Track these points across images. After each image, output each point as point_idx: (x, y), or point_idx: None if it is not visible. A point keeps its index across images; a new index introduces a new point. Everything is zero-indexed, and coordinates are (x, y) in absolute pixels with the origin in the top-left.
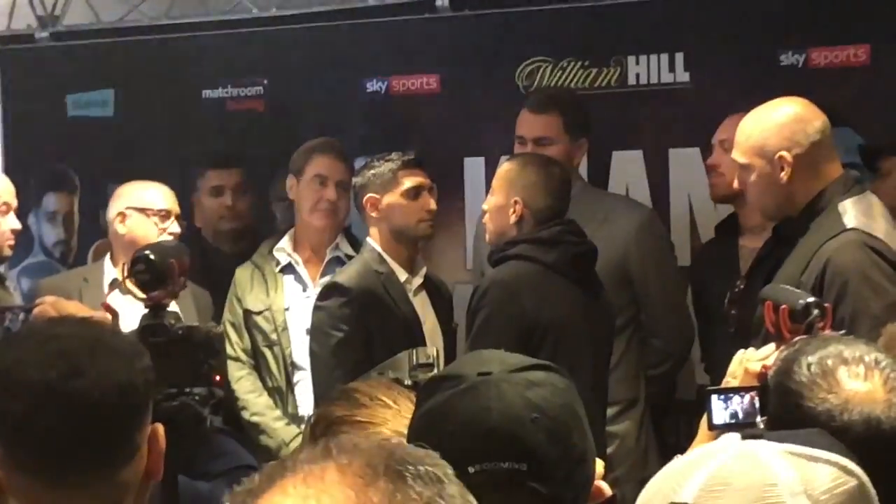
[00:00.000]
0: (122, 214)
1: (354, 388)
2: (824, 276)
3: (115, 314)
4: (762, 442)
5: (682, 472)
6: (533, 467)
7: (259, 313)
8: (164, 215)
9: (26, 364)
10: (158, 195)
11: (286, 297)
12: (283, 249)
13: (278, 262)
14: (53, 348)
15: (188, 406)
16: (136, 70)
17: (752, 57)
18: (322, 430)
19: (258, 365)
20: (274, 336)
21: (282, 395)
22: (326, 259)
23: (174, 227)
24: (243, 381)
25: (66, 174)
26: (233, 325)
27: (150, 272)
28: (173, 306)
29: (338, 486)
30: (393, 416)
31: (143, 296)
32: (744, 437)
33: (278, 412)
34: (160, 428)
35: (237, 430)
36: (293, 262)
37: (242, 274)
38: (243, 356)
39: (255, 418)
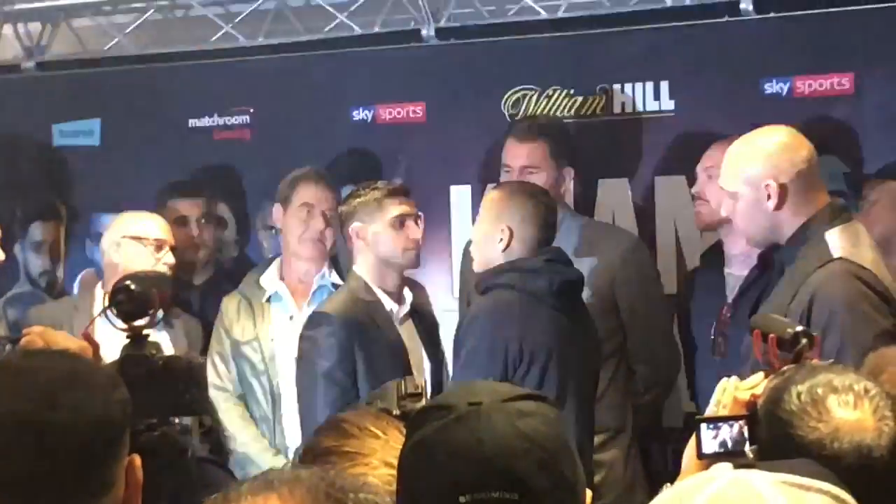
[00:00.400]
0: (117, 243)
1: (343, 418)
2: (812, 307)
3: (95, 344)
4: (755, 471)
5: (676, 500)
6: (524, 497)
7: (247, 343)
8: (159, 245)
9: (0, 396)
10: (154, 225)
11: (273, 327)
12: (271, 279)
13: (265, 292)
14: (28, 381)
15: (169, 436)
16: (122, 99)
17: (737, 85)
18: (311, 460)
19: (246, 395)
20: (261, 366)
21: (269, 425)
22: (313, 288)
23: (169, 257)
24: (230, 412)
25: (52, 204)
26: (220, 355)
27: (130, 302)
28: (164, 336)
29: None
30: (382, 447)
31: (124, 326)
32: (736, 467)
33: (265, 442)
34: (137, 460)
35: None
36: (280, 292)
37: (230, 304)
38: (230, 386)
39: (242, 449)
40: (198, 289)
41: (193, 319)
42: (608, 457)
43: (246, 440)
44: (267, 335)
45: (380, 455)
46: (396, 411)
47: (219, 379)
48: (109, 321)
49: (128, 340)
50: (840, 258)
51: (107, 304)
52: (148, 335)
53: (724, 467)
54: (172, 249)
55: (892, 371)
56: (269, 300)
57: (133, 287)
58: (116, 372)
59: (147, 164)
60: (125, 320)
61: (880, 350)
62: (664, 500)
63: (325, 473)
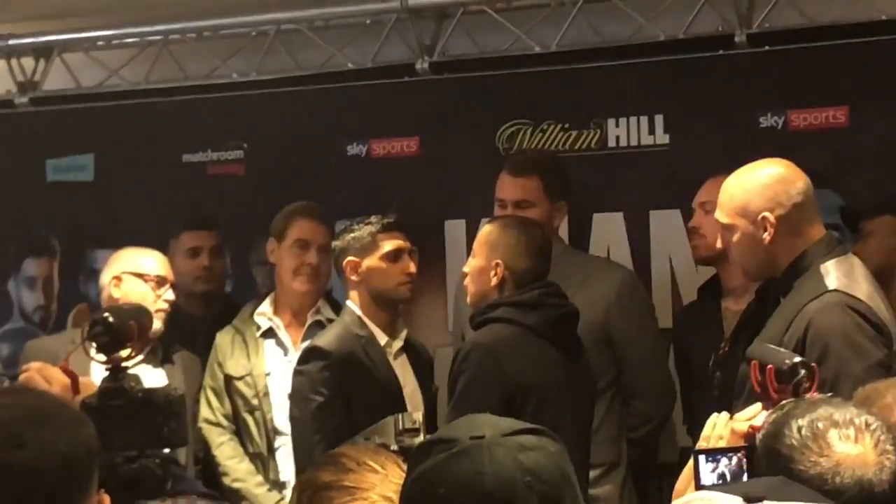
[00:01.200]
0: (117, 279)
1: (341, 452)
2: (807, 337)
3: (74, 377)
4: None
5: None
6: None
7: (240, 378)
8: (160, 282)
9: None
10: (154, 262)
11: (267, 362)
12: (264, 314)
13: (259, 327)
14: None
15: (148, 469)
16: (115, 134)
17: (732, 119)
18: (309, 496)
19: (239, 430)
20: (255, 401)
21: (263, 460)
22: (308, 323)
23: (169, 294)
24: (224, 447)
25: (45, 239)
26: (213, 389)
27: (108, 334)
28: (161, 373)
29: None
30: (380, 481)
31: (103, 358)
32: (746, 500)
33: (260, 478)
34: (107, 499)
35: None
36: (274, 327)
37: (223, 339)
38: (224, 421)
39: (236, 484)
40: (207, 322)
41: (192, 356)
42: (603, 491)
43: (240, 475)
44: (261, 370)
45: (378, 489)
46: (394, 446)
47: (212, 414)
48: (87, 354)
49: (107, 373)
50: (835, 290)
51: (84, 336)
52: (126, 368)
53: (730, 499)
54: (172, 286)
55: (881, 405)
56: (263, 335)
57: (111, 319)
58: (90, 406)
59: (141, 199)
60: (103, 352)
61: (871, 384)
62: None
63: None
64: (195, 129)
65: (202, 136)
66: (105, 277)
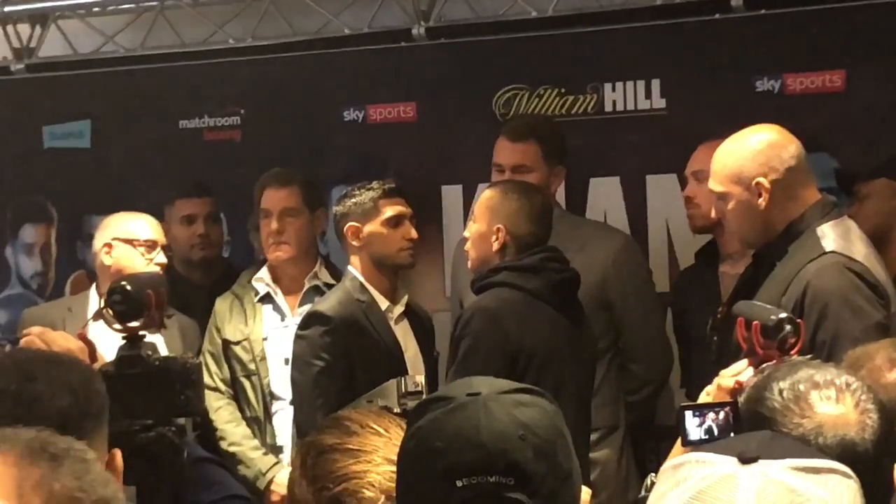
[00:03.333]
0: (108, 245)
1: (345, 416)
2: (804, 299)
3: (91, 346)
4: (766, 464)
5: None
6: (520, 482)
7: (237, 343)
8: (151, 246)
9: None
10: (144, 226)
11: (264, 327)
12: (262, 279)
13: (257, 292)
14: (8, 362)
15: (165, 437)
16: (112, 101)
17: (728, 83)
18: (313, 458)
19: (236, 395)
20: (252, 366)
21: (260, 424)
22: (305, 288)
23: (160, 257)
24: (222, 412)
25: (43, 206)
26: (212, 354)
27: (125, 303)
28: (158, 337)
29: (1, 468)
30: (384, 444)
31: (120, 327)
32: (741, 461)
33: (256, 442)
34: (118, 454)
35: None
36: (272, 292)
37: (222, 304)
38: (222, 386)
39: (232, 448)
40: (206, 288)
41: (189, 319)
42: (601, 455)
43: (236, 440)
44: (258, 335)
45: (382, 452)
46: (397, 409)
47: (210, 379)
48: (106, 322)
49: (124, 341)
50: (832, 251)
51: (102, 305)
52: (144, 336)
53: (725, 461)
54: (164, 249)
55: (871, 366)
56: (260, 300)
57: (129, 288)
58: (108, 374)
59: (137, 165)
60: (120, 321)
61: (862, 346)
62: None
63: (41, 433)
64: (192, 95)
65: (199, 103)
66: (96, 244)
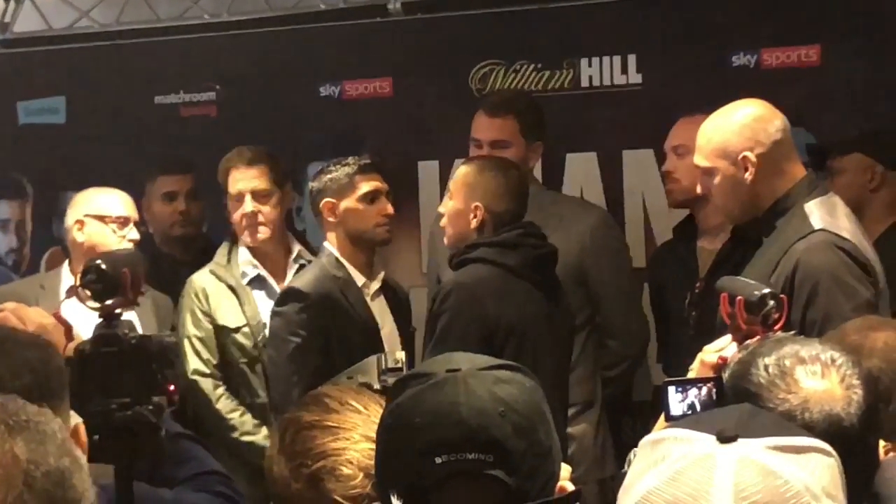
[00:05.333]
0: (80, 222)
1: (325, 393)
2: (795, 277)
3: (67, 325)
4: (745, 444)
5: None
6: (499, 459)
7: (237, 330)
8: (123, 222)
9: None
10: (116, 202)
11: (260, 311)
12: (248, 262)
13: (245, 274)
14: None
15: (142, 416)
16: (87, 77)
17: (705, 58)
18: (292, 434)
19: (234, 381)
20: (255, 352)
21: (265, 411)
22: (294, 269)
23: (133, 233)
24: (225, 401)
25: (18, 182)
26: (201, 340)
27: (101, 282)
28: (132, 314)
29: None
30: (363, 422)
31: (96, 305)
32: (720, 440)
33: (266, 430)
34: (81, 428)
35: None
36: (263, 274)
37: (205, 286)
38: (217, 373)
39: (246, 438)
40: (187, 264)
41: (163, 295)
42: (578, 430)
43: (248, 429)
44: (258, 320)
45: (361, 430)
46: (377, 386)
47: (203, 365)
48: (79, 300)
49: (100, 320)
50: (821, 229)
51: (77, 283)
52: (120, 314)
53: (704, 440)
54: (136, 224)
55: (849, 341)
56: (249, 283)
57: (103, 267)
58: (84, 353)
59: (113, 141)
60: (96, 300)
61: (841, 325)
62: (666, 490)
63: (9, 403)
64: (167, 70)
65: (174, 78)
66: (68, 220)
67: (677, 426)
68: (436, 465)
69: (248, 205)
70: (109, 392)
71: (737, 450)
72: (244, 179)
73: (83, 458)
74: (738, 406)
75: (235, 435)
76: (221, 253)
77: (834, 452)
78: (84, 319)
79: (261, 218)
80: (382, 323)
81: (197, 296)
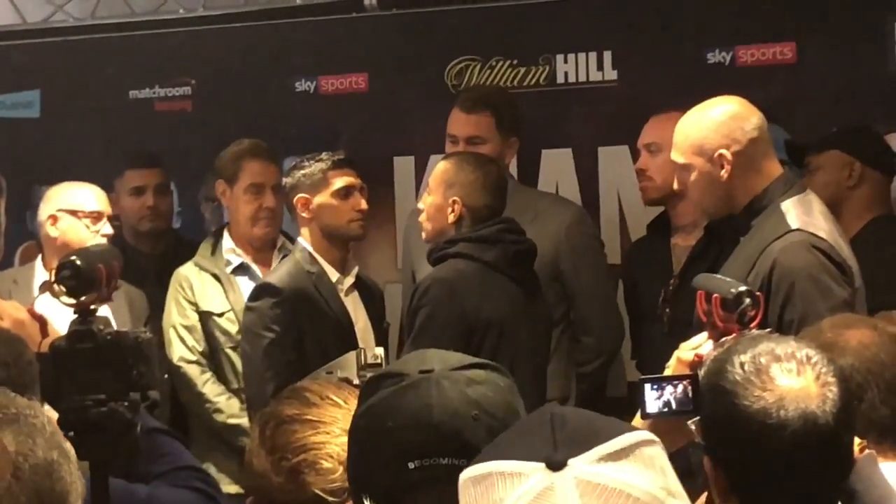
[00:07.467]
0: (53, 217)
1: (305, 387)
2: (772, 278)
3: (42, 321)
4: (577, 463)
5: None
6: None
7: (221, 315)
8: (96, 217)
9: None
10: (90, 196)
11: (244, 298)
12: (233, 251)
13: (229, 263)
14: None
15: (117, 412)
16: (62, 71)
17: (680, 55)
18: (272, 428)
19: (219, 367)
20: (239, 336)
21: None
22: (279, 258)
23: (106, 228)
24: (211, 385)
25: None
26: (186, 328)
27: (76, 278)
28: (105, 309)
29: None
30: (343, 416)
31: (71, 301)
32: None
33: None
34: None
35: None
36: (247, 262)
37: (188, 276)
38: (203, 360)
39: (232, 420)
40: (155, 258)
41: (137, 290)
42: None
43: (235, 412)
44: (242, 306)
45: (341, 424)
46: (356, 381)
47: (189, 352)
48: (53, 295)
49: (75, 316)
50: (798, 229)
51: (52, 279)
52: (95, 310)
53: (533, 471)
54: (110, 219)
55: (823, 339)
56: (233, 272)
57: (78, 263)
58: (59, 349)
59: (87, 135)
60: (71, 295)
61: (816, 324)
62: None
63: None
64: (142, 65)
65: (149, 73)
66: (41, 215)
67: (488, 455)
68: (408, 471)
69: (271, 198)
70: (85, 388)
71: (571, 474)
72: (266, 173)
73: (72, 451)
74: (539, 417)
75: (222, 418)
76: (205, 246)
77: (656, 438)
78: (58, 314)
79: (276, 213)
80: (356, 318)
81: (181, 286)
